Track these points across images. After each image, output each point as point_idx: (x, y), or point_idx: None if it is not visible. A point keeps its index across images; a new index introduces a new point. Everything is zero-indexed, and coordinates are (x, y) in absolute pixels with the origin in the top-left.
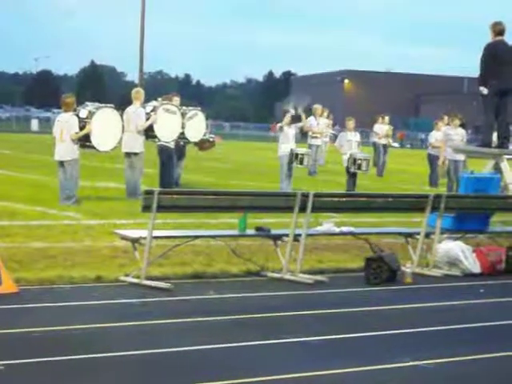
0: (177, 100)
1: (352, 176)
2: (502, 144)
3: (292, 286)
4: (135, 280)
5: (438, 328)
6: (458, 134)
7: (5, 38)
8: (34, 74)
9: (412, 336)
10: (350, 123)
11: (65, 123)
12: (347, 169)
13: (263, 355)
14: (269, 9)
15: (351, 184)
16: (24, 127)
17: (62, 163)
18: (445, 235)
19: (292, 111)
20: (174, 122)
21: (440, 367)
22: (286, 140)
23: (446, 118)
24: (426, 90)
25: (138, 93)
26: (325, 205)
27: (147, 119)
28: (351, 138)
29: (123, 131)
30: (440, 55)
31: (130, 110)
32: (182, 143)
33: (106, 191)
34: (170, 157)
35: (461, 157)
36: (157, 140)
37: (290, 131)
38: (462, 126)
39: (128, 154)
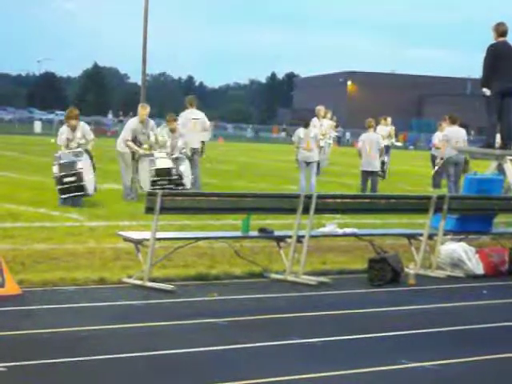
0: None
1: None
2: (506, 145)
3: (295, 288)
4: (138, 282)
5: (442, 329)
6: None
7: (8, 40)
8: (37, 75)
9: (416, 337)
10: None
11: None
12: (379, 172)
13: (268, 356)
14: (272, 10)
15: (374, 186)
16: (27, 129)
17: None
18: (448, 236)
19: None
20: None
21: (445, 368)
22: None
23: (447, 118)
24: (429, 92)
25: (142, 107)
26: (328, 206)
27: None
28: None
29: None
30: (443, 56)
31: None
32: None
33: (108, 193)
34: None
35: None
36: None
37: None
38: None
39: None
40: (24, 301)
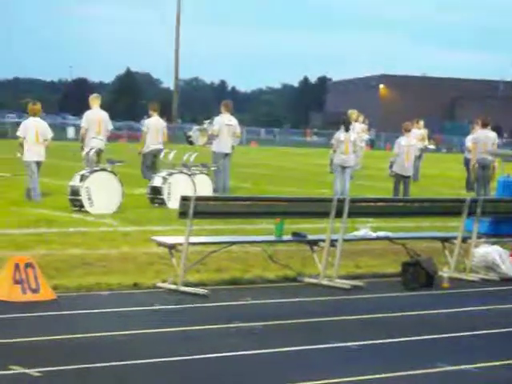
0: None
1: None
2: None
3: (329, 292)
4: (172, 286)
5: (477, 332)
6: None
7: (41, 46)
8: (69, 81)
9: (451, 340)
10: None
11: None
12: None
13: (305, 360)
14: (303, 14)
15: (407, 190)
16: (60, 135)
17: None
18: (482, 239)
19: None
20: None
21: (481, 371)
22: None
23: (479, 121)
24: (461, 94)
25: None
26: (361, 210)
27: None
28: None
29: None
30: (475, 59)
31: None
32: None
33: (142, 198)
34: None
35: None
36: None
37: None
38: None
39: None
40: (59, 306)
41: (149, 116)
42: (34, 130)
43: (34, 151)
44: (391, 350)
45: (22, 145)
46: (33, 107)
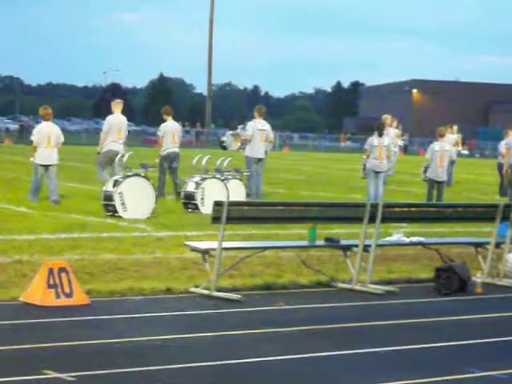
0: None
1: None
2: None
3: (362, 297)
4: (205, 291)
5: (509, 338)
6: None
7: (74, 52)
8: (103, 86)
9: (485, 346)
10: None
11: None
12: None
13: (336, 366)
14: (336, 19)
15: (440, 195)
16: (94, 140)
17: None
18: None
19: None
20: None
21: (510, 378)
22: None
23: None
24: (494, 99)
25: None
26: (394, 215)
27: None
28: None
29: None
30: (507, 63)
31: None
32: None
33: (175, 203)
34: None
35: None
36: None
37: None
38: None
39: None
40: (92, 311)
41: (163, 121)
42: (48, 135)
43: (43, 155)
44: (424, 355)
45: (36, 149)
46: (46, 112)
